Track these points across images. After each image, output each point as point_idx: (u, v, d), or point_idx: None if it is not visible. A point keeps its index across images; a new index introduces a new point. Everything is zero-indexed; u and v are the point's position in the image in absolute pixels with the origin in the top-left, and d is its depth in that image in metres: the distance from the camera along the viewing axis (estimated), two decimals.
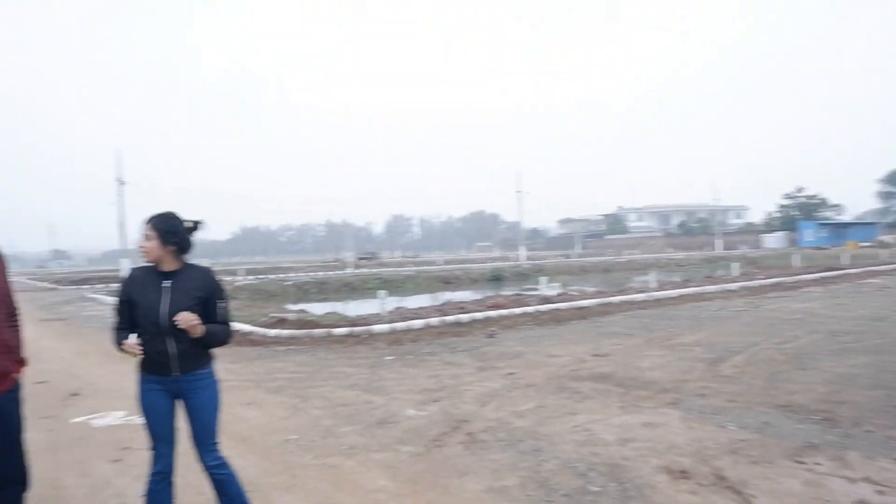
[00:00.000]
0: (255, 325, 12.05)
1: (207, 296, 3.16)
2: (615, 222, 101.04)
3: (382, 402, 6.31)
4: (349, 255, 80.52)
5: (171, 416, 3.19)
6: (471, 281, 35.67)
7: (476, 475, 4.28)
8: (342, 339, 10.51)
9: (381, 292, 13.70)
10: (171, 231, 3.14)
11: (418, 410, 5.96)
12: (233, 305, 19.62)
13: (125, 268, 35.55)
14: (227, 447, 5.03)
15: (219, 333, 3.18)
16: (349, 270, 43.67)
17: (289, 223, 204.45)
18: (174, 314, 3.01)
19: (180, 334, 3.05)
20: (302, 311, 16.87)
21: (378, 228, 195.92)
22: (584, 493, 3.91)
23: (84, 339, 11.80)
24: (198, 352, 3.16)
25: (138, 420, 5.83)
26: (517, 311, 12.82)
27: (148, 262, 3.17)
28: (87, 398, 6.90)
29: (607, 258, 49.98)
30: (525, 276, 38.61)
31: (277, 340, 10.78)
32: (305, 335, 10.84)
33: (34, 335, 12.42)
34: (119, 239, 36.80)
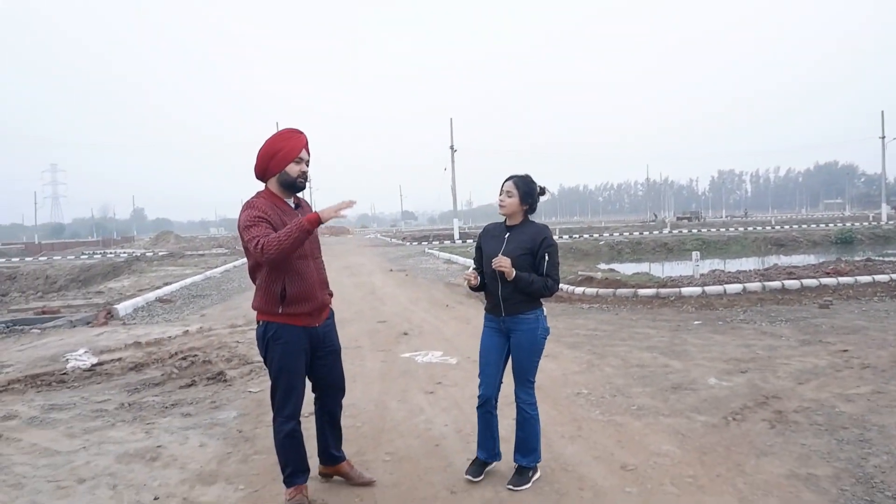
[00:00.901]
0: (561, 283, 12.44)
1: (535, 248, 3.47)
2: None
3: (681, 367, 6.00)
4: (668, 215, 76.98)
5: (498, 350, 3.60)
6: (810, 244, 31.14)
7: (778, 457, 3.82)
8: (648, 301, 10.22)
9: (694, 253, 12.84)
10: (530, 192, 3.56)
11: (720, 380, 5.52)
12: None
13: (457, 227, 39.75)
14: None
15: (535, 283, 3.44)
16: (666, 231, 41.82)
17: (607, 182, 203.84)
18: None
19: (505, 280, 3.43)
20: (611, 270, 16.83)
21: (703, 186, 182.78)
22: None
23: (418, 289, 13.63)
24: (520, 298, 3.48)
25: (451, 360, 6.64)
26: (864, 279, 10.79)
27: (503, 214, 3.61)
28: (414, 338, 8.00)
29: None
30: (886, 239, 32.21)
31: (582, 298, 10.98)
32: (610, 294, 10.82)
33: (381, 283, 14.82)
34: (452, 201, 41.09)
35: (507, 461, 3.76)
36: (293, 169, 3.22)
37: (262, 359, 3.35)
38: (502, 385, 3.68)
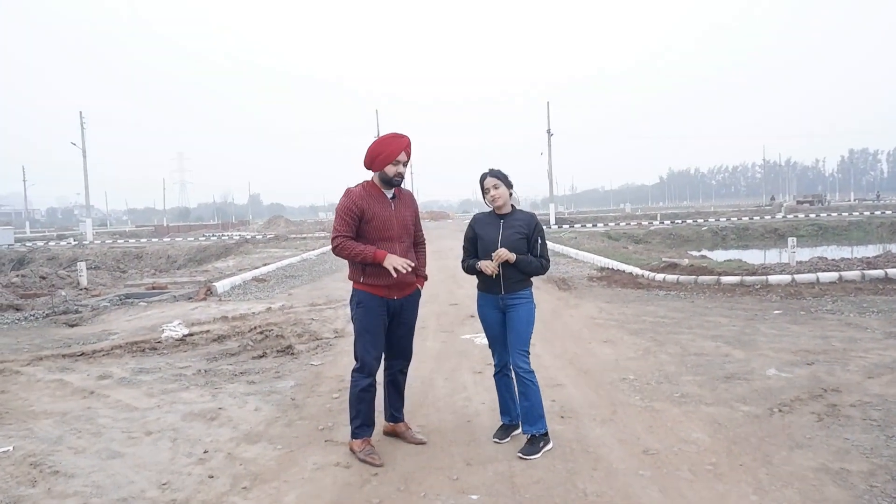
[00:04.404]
0: (644, 269, 12.13)
1: (530, 233, 3.89)
2: None
3: (742, 357, 5.78)
4: (785, 199, 72.07)
5: (500, 325, 3.98)
6: None
7: (813, 451, 3.66)
8: (730, 289, 9.77)
9: (791, 239, 12.07)
10: (506, 177, 3.95)
11: (780, 371, 5.28)
12: (638, 248, 19.95)
13: (553, 212, 39.28)
14: (567, 375, 5.46)
15: (532, 263, 3.86)
16: (780, 216, 39.22)
17: (721, 164, 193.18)
18: (505, 245, 3.80)
19: (505, 262, 3.78)
20: (703, 256, 16.15)
21: (830, 166, 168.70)
22: None
23: None
24: (518, 277, 3.87)
25: None
26: None
27: (497, 205, 3.93)
28: (479, 321, 8.09)
29: None
30: None
31: (661, 285, 10.67)
32: (692, 281, 10.44)
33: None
34: (549, 185, 40.61)
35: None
36: (390, 169, 3.75)
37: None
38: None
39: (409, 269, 3.68)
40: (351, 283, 3.90)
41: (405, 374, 4.12)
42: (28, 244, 36.28)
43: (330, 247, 3.97)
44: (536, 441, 3.76)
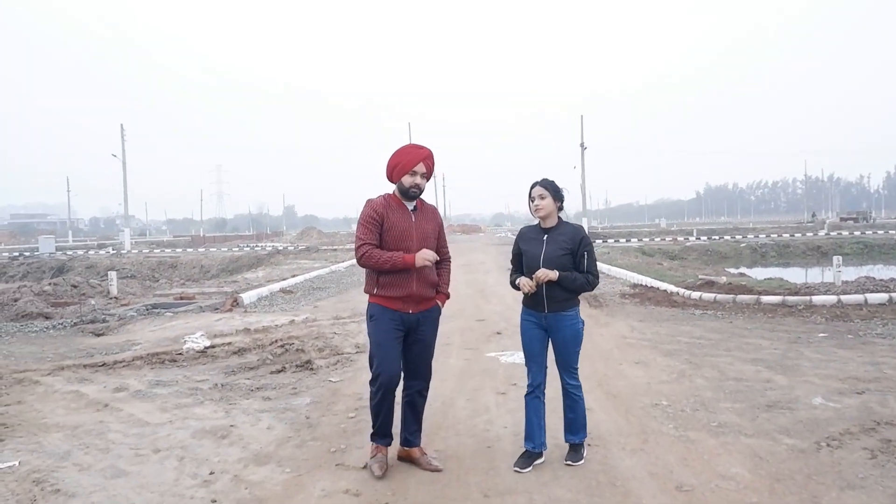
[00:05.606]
0: (679, 286, 11.72)
1: (575, 248, 3.71)
2: None
3: (785, 384, 5.40)
4: (829, 216, 70.06)
5: (540, 343, 3.83)
6: None
7: (867, 493, 3.32)
8: (771, 309, 9.32)
9: (836, 258, 11.52)
10: (557, 191, 3.79)
11: (828, 400, 4.90)
12: (673, 265, 19.40)
13: (586, 226, 38.77)
14: (595, 398, 5.18)
15: (577, 279, 3.68)
16: (822, 233, 37.99)
17: (760, 180, 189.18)
18: (548, 262, 3.65)
19: (548, 280, 3.62)
20: (741, 274, 15.62)
21: (876, 182, 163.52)
22: None
23: None
24: (563, 296, 3.69)
25: None
26: None
27: (540, 217, 3.78)
28: (506, 338, 7.88)
29: None
30: None
31: (698, 304, 10.25)
32: (730, 300, 10.01)
33: (494, 281, 14.78)
34: (581, 199, 40.14)
35: (551, 454, 3.63)
36: (407, 180, 3.66)
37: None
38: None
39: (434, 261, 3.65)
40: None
41: (424, 396, 3.91)
42: (69, 253, 37.24)
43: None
44: (578, 448, 3.82)
